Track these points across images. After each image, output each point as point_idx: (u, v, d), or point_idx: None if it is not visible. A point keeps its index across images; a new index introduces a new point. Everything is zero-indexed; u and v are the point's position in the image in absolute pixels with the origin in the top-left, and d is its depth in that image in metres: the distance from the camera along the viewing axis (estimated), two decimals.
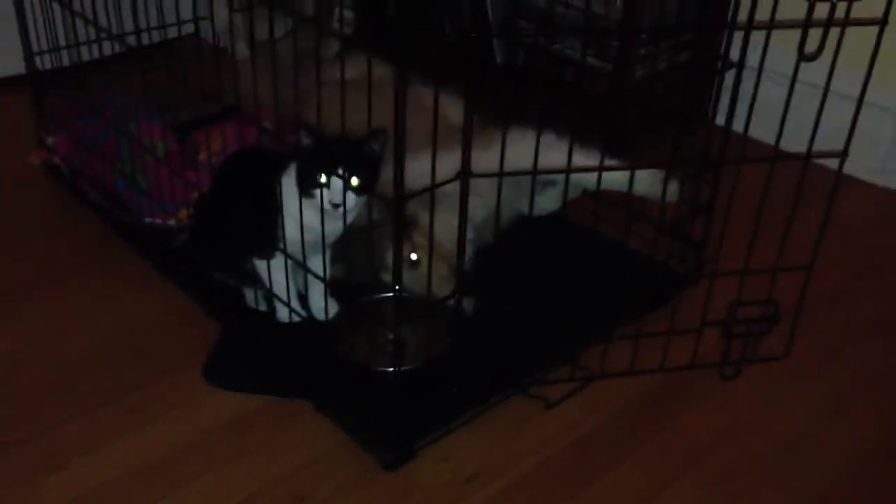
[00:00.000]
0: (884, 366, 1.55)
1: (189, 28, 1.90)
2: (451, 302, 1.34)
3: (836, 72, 1.22)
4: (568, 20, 2.02)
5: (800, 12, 1.16)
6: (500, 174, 1.24)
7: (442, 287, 1.46)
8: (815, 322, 1.61)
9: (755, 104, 1.28)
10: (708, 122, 1.47)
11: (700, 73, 1.89)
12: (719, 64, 1.37)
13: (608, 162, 1.48)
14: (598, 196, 1.61)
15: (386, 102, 1.39)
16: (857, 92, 1.99)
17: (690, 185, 1.58)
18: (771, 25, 1.15)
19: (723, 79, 1.43)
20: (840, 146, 2.02)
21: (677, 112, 1.98)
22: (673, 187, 1.60)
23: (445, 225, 1.44)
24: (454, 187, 1.52)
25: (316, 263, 1.43)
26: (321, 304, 1.47)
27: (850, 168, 2.07)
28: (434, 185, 1.21)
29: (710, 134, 1.42)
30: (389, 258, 1.52)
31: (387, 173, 1.29)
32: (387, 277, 1.53)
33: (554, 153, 1.39)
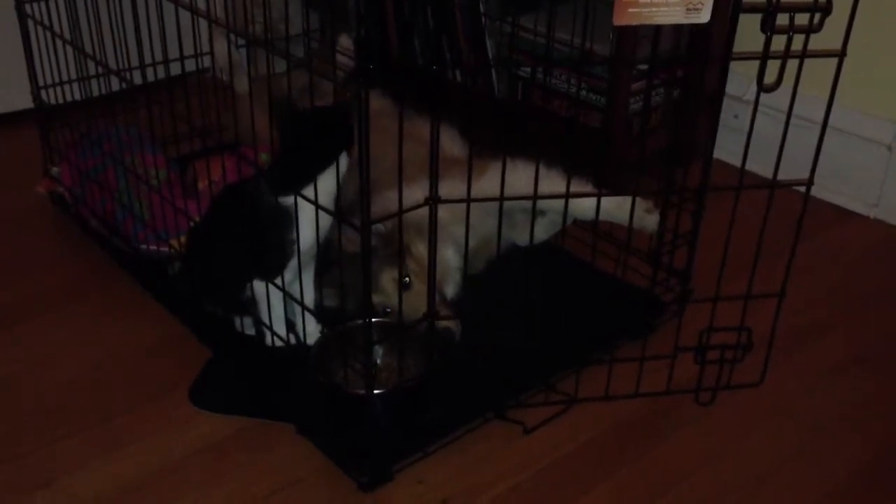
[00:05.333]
0: (865, 396, 1.55)
1: (192, 64, 1.96)
2: (424, 326, 1.37)
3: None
4: (562, 55, 2.06)
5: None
6: (468, 200, 1.28)
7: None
8: (798, 351, 1.63)
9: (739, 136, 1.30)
10: (701, 155, 1.49)
11: (687, 107, 1.92)
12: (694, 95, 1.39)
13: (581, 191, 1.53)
14: (595, 226, 1.65)
15: (381, 134, 1.45)
16: (847, 126, 2.03)
17: (673, 215, 1.61)
18: (729, 57, 1.18)
19: (717, 109, 1.44)
20: (837, 178, 2.06)
21: (668, 145, 2.03)
22: (653, 217, 1.64)
23: (439, 253, 1.48)
24: (450, 217, 1.58)
25: (304, 284, 1.47)
26: (308, 329, 1.51)
27: (846, 201, 2.12)
28: (401, 211, 1.25)
29: (706, 166, 1.43)
30: (382, 280, 1.56)
31: (375, 203, 1.33)
32: (377, 299, 1.57)
33: (542, 182, 1.42)
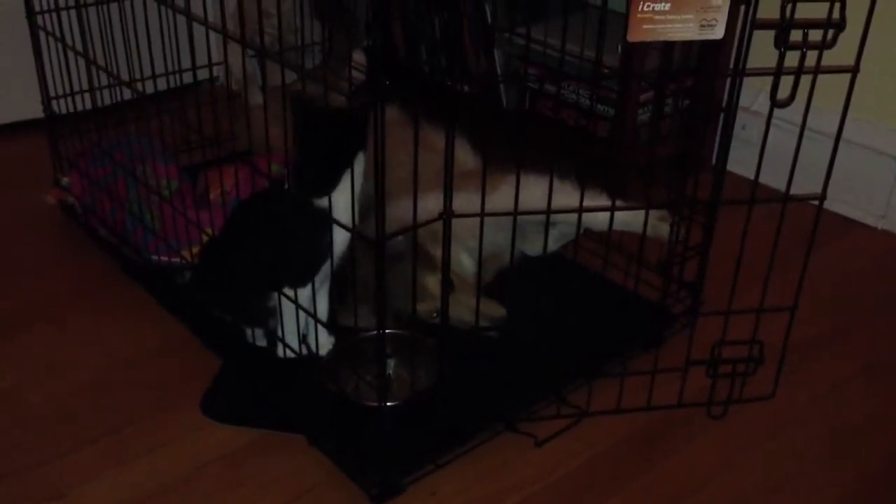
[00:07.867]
0: (875, 406, 1.56)
1: (204, 73, 1.97)
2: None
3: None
4: (571, 67, 2.07)
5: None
6: (482, 214, 1.28)
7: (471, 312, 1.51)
8: (808, 364, 1.63)
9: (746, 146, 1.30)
10: (709, 167, 1.49)
11: (696, 119, 1.92)
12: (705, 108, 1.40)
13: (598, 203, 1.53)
14: (607, 237, 1.65)
15: (392, 144, 1.45)
16: (855, 137, 2.04)
17: (684, 227, 1.61)
18: (742, 73, 1.18)
19: (730, 124, 1.45)
20: (845, 189, 2.06)
21: (676, 156, 2.03)
22: (663, 228, 1.64)
23: (454, 258, 1.50)
24: (460, 231, 1.57)
25: (319, 296, 1.48)
26: (321, 340, 1.52)
27: (853, 212, 2.12)
28: (416, 225, 1.25)
29: (718, 179, 1.43)
30: (428, 285, 1.57)
31: (389, 212, 1.33)
32: (424, 306, 1.55)
33: (555, 195, 1.43)
